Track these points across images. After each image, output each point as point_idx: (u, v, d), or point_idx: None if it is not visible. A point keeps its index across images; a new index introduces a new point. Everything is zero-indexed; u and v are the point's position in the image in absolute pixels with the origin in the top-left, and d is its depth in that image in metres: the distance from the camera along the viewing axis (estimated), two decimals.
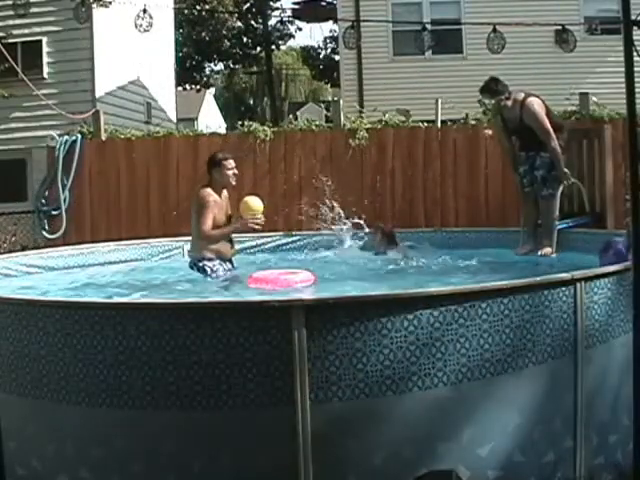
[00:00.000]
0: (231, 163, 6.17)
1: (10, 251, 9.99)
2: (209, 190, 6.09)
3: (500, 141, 7.73)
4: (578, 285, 3.53)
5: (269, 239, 7.91)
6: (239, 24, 36.30)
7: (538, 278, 3.59)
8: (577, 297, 3.53)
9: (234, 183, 6.23)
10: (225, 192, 6.27)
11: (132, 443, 3.29)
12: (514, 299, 3.36)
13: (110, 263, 7.03)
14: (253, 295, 5.26)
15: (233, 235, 6.36)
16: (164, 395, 3.21)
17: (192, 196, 6.52)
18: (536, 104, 6.86)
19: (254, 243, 7.75)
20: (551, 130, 6.79)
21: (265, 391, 3.16)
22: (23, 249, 10.22)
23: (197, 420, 3.22)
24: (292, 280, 5.52)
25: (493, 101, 7.21)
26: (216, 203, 6.05)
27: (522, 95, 6.96)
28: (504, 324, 3.34)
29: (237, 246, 6.98)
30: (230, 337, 3.15)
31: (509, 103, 6.93)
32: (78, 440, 3.35)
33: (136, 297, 5.19)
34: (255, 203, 6.13)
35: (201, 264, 6.14)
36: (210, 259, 6.12)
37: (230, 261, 6.33)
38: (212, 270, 6.10)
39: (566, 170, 6.92)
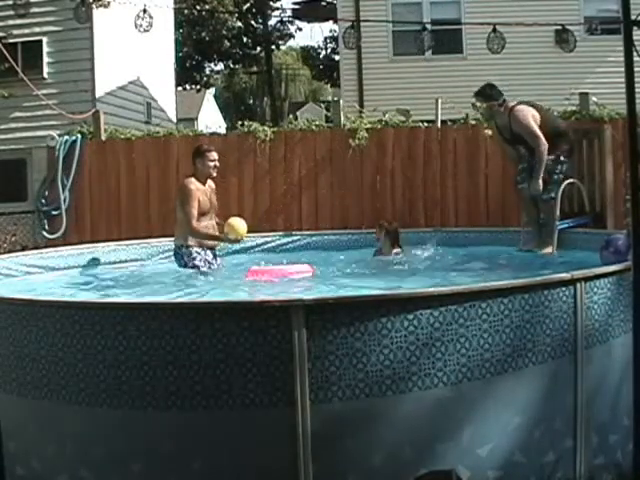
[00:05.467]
0: (213, 155, 6.45)
1: (10, 251, 9.98)
2: (192, 179, 6.38)
3: (500, 146, 7.78)
4: (578, 285, 3.53)
5: (269, 239, 7.92)
6: (239, 24, 36.34)
7: (538, 278, 3.59)
8: (577, 297, 3.53)
9: (214, 174, 6.49)
10: (210, 182, 6.54)
11: (132, 443, 3.28)
12: (514, 299, 3.36)
13: (110, 263, 7.03)
14: (251, 289, 5.28)
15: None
16: (164, 395, 3.20)
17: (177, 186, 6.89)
18: (523, 111, 6.82)
19: (254, 243, 7.76)
20: (539, 134, 6.75)
21: (265, 391, 3.16)
22: (23, 249, 10.22)
23: (197, 420, 3.22)
24: (288, 270, 5.53)
25: (485, 105, 7.21)
26: (199, 190, 6.31)
27: (513, 103, 6.96)
28: (504, 324, 3.34)
29: (237, 246, 7.01)
30: (230, 337, 3.15)
31: (501, 109, 6.93)
32: (78, 440, 3.35)
33: (135, 297, 5.20)
34: (240, 227, 6.30)
35: (181, 252, 6.35)
36: (188, 246, 6.33)
37: (212, 249, 6.50)
38: (190, 258, 6.30)
39: (540, 183, 6.83)
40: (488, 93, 7.02)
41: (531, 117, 6.83)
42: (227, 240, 6.38)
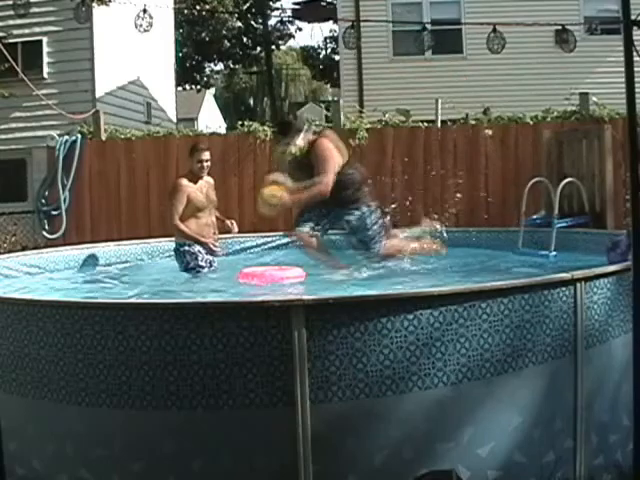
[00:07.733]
0: (203, 155, 6.36)
1: (10, 251, 9.98)
2: (181, 179, 6.34)
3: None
4: (578, 285, 3.53)
5: (269, 239, 7.92)
6: (239, 24, 36.34)
7: (538, 278, 3.59)
8: (577, 297, 3.52)
9: (203, 174, 6.38)
10: (209, 178, 6.47)
11: (132, 443, 3.28)
12: (514, 299, 3.36)
13: (110, 264, 7.03)
14: (242, 291, 5.27)
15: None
16: (164, 395, 3.20)
17: None
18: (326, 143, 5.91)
19: (254, 243, 7.75)
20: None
21: (265, 391, 3.16)
22: (23, 249, 10.23)
23: (197, 420, 3.22)
24: (279, 276, 5.51)
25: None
26: (189, 187, 6.25)
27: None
28: (504, 324, 3.34)
29: (237, 246, 7.01)
30: (230, 337, 3.15)
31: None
32: (78, 440, 3.35)
33: (135, 297, 5.20)
34: (270, 195, 5.88)
35: (182, 250, 6.32)
36: (192, 244, 6.29)
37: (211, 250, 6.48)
38: (193, 257, 6.28)
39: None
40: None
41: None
42: (204, 242, 6.27)
